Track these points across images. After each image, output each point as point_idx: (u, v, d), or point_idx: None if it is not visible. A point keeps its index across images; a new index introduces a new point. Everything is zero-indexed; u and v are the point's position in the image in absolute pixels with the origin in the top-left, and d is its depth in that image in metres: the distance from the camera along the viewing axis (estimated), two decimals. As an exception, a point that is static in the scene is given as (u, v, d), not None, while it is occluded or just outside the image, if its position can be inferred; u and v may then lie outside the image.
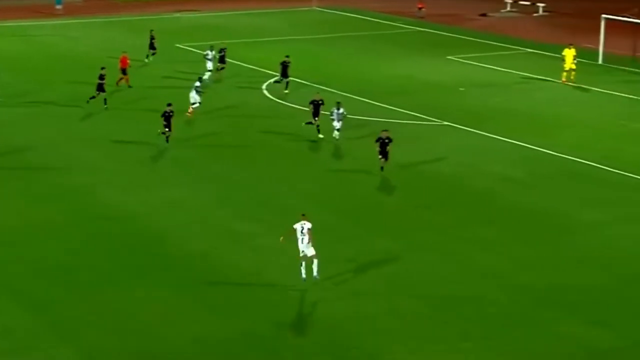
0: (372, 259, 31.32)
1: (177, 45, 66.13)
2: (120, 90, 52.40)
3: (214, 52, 54.50)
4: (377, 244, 32.60)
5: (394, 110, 49.29)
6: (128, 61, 53.15)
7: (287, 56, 51.94)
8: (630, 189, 37.78)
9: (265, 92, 53.21)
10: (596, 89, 54.10)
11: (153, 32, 60.56)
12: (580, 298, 28.50)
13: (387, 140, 38.77)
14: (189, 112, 46.75)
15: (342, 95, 52.13)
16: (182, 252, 31.77)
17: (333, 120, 42.50)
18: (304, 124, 43.86)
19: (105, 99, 48.24)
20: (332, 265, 30.85)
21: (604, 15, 60.83)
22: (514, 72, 58.34)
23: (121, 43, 66.43)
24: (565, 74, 54.97)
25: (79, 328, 26.58)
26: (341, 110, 42.32)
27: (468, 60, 61.66)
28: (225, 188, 37.73)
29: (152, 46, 59.76)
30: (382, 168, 38.88)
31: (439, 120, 47.41)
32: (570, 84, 54.33)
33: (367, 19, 77.69)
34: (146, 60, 59.11)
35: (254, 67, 58.68)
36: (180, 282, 29.56)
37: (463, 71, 58.75)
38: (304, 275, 28.81)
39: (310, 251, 28.80)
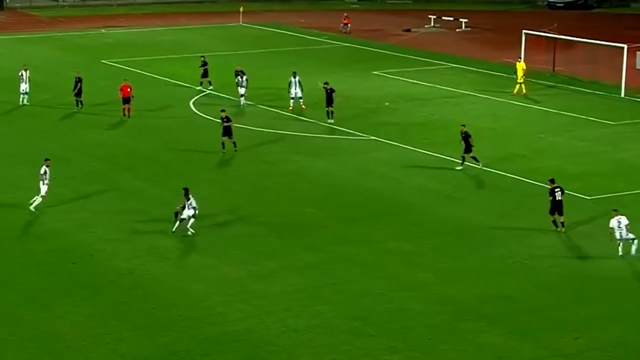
0: (298, 272, 31.55)
1: (103, 61, 65.80)
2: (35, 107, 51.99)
3: (245, 77, 52.40)
4: (303, 257, 32.83)
5: (320, 124, 49.65)
6: (129, 89, 49.98)
7: (327, 83, 50.19)
8: (547, 200, 38.55)
9: (192, 107, 53.26)
10: (517, 103, 55.05)
11: (204, 58, 57.37)
12: (501, 309, 29.01)
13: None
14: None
15: (266, 109, 52.48)
16: (106, 270, 31.66)
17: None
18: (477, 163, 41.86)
19: (223, 144, 44.31)
20: (258, 279, 31.04)
21: (524, 31, 61.96)
22: (438, 86, 59.10)
23: (46, 60, 66.01)
24: (517, 86, 56.09)
25: (1, 350, 26.31)
26: None
27: (393, 75, 62.33)
28: (147, 204, 37.65)
29: (205, 74, 56.16)
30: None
31: (365, 135, 47.89)
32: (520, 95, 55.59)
33: (293, 35, 78.07)
34: (210, 87, 56.06)
35: (180, 83, 58.62)
36: (105, 300, 29.45)
37: (388, 86, 59.33)
38: (620, 252, 32.70)
39: (630, 235, 32.74)
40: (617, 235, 32.69)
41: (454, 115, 52.06)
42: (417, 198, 39.03)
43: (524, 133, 48.82)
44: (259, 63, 65.54)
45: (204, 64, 56.78)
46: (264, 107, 53.22)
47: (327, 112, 49.88)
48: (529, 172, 41.83)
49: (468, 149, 41.82)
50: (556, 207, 35.08)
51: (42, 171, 36.38)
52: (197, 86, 56.80)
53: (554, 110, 53.30)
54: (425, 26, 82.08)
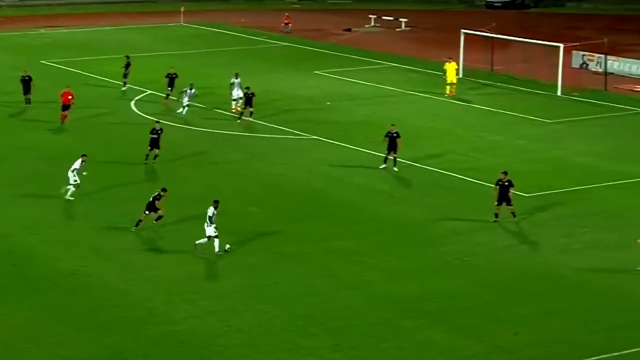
0: (242, 272, 31.65)
1: (42, 61, 65.19)
2: None
3: (193, 91, 50.98)
4: (246, 257, 32.93)
5: (262, 124, 49.73)
6: (70, 97, 48.92)
7: (248, 88, 50.33)
8: (489, 198, 39.05)
9: (134, 107, 53.04)
10: (456, 102, 55.64)
11: (129, 58, 57.37)
12: (442, 306, 29.34)
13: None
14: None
15: (209, 110, 52.44)
16: (48, 271, 31.46)
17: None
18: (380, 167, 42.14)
19: (155, 156, 42.83)
20: (202, 279, 31.09)
21: (463, 30, 62.60)
22: (379, 85, 59.49)
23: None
24: (448, 87, 56.46)
25: (-58, 353, 26.13)
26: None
27: (334, 74, 62.60)
28: (91, 206, 37.48)
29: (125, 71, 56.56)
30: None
31: (307, 134, 48.11)
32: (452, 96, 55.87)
33: (234, 35, 78.01)
34: (124, 87, 56.35)
35: (120, 83, 58.27)
36: (46, 302, 29.28)
37: (330, 85, 59.57)
38: None
39: None
40: None
41: (395, 114, 52.41)
42: (360, 197, 39.30)
43: (465, 132, 49.33)
44: (200, 63, 65.48)
45: (128, 64, 56.80)
46: (206, 107, 53.14)
47: (248, 112, 49.86)
48: (469, 170, 42.33)
49: (393, 148, 42.02)
50: (504, 198, 35.76)
51: (77, 165, 37.66)
52: (122, 87, 56.66)
53: (493, 109, 53.94)
54: (366, 26, 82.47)
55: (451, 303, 29.60)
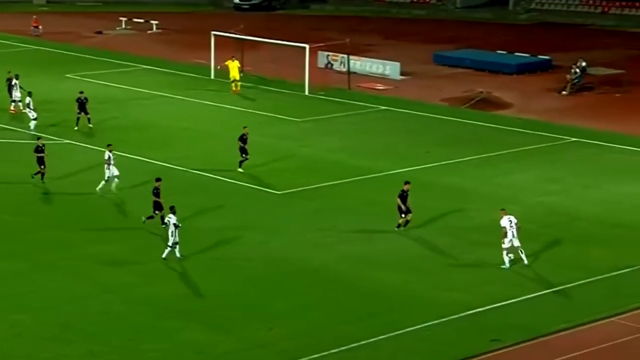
0: (-4, 283, 31.26)
1: None
2: None
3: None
4: (2, 265, 32.48)
5: (12, 129, 48.72)
6: None
7: (82, 92, 49.39)
8: (242, 196, 40.12)
9: None
10: (209, 103, 56.37)
11: (11, 73, 53.80)
12: (200, 306, 30.00)
13: None
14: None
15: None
16: None
17: None
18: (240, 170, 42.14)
19: (43, 174, 41.09)
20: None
21: (213, 32, 63.44)
22: (132, 88, 59.43)
23: None
24: (233, 85, 57.39)
25: None
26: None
27: (86, 77, 61.98)
28: None
29: (9, 90, 52.89)
30: None
31: (59, 139, 47.56)
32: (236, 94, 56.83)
33: (-20, 38, 75.70)
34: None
35: None
36: None
37: (82, 89, 58.82)
38: (507, 265, 32.47)
39: (517, 242, 32.39)
40: (510, 235, 32.28)
41: (149, 117, 52.76)
42: (116, 200, 39.31)
43: (219, 132, 50.09)
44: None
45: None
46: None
47: (85, 118, 49.28)
48: (222, 170, 43.13)
49: (244, 151, 42.53)
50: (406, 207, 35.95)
51: (106, 157, 39.10)
52: None
53: (245, 109, 55.05)
54: (117, 28, 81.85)
55: (208, 302, 30.32)
